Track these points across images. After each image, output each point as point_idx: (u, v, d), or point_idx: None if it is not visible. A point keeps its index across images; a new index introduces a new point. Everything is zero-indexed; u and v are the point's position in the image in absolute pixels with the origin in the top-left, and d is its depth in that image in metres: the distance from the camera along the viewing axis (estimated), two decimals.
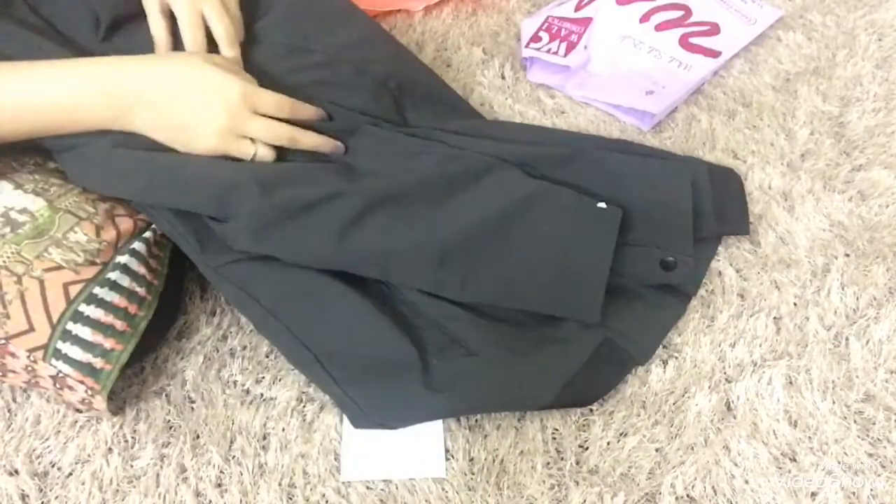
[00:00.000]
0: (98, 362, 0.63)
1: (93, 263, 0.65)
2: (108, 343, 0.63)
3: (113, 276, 0.65)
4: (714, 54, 0.96)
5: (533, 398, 0.67)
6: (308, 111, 0.72)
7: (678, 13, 0.99)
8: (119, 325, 0.64)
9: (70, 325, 0.62)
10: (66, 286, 0.63)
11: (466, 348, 0.68)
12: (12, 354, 0.63)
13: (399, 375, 0.67)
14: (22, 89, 0.63)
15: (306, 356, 0.67)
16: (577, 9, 1.02)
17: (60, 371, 0.62)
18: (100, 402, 0.65)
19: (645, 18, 0.98)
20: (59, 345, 0.62)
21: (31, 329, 0.62)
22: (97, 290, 0.64)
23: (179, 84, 0.66)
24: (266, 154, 0.69)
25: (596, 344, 0.70)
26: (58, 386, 0.64)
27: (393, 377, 0.67)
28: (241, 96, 0.67)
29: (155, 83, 0.65)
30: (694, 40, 0.96)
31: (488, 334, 0.69)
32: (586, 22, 0.99)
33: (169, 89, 0.66)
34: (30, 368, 0.63)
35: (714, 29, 0.98)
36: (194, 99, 0.66)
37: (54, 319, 0.62)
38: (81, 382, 0.63)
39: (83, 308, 0.63)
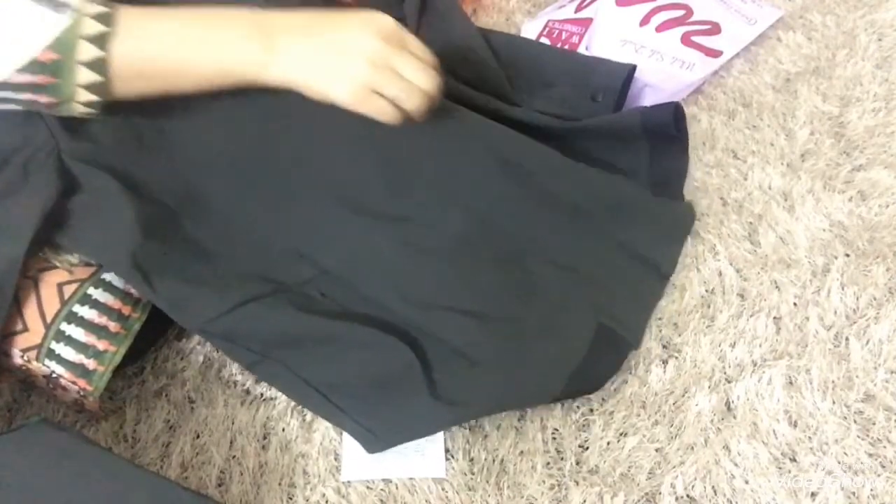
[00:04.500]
0: (91, 363, 0.63)
1: (88, 264, 0.65)
2: (102, 344, 0.63)
3: (108, 276, 0.65)
4: (715, 54, 0.95)
5: (541, 394, 0.67)
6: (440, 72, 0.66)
7: (679, 12, 0.99)
8: (112, 326, 0.64)
9: (64, 326, 0.62)
10: (60, 286, 0.63)
11: (469, 359, 0.67)
12: (6, 354, 0.63)
13: (403, 387, 0.65)
14: (183, 33, 0.58)
15: (308, 392, 0.66)
16: (578, 9, 1.02)
17: (54, 371, 0.62)
18: (92, 404, 0.65)
19: (645, 21, 0.98)
20: (53, 345, 0.62)
21: (26, 329, 0.62)
22: (91, 291, 0.64)
23: (332, 16, 0.61)
24: (410, 96, 0.61)
25: (592, 330, 0.69)
26: (51, 386, 0.64)
27: (398, 391, 0.66)
28: (393, 24, 0.61)
29: (308, 15, 0.61)
30: (695, 39, 0.96)
31: (487, 338, 0.67)
32: (587, 22, 0.99)
33: (322, 19, 0.61)
34: (24, 368, 0.63)
35: (715, 28, 0.98)
36: (343, 19, 0.60)
37: (48, 319, 0.62)
38: (74, 384, 0.63)
39: (77, 308, 0.63)
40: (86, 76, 0.54)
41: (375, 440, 0.65)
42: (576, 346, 0.69)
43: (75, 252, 0.66)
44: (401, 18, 0.89)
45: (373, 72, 0.59)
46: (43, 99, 0.54)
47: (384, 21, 0.61)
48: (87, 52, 0.53)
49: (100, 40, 0.54)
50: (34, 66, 0.52)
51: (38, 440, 0.54)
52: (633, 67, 0.87)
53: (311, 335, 0.66)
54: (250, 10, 0.60)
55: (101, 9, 0.54)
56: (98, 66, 0.54)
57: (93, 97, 0.55)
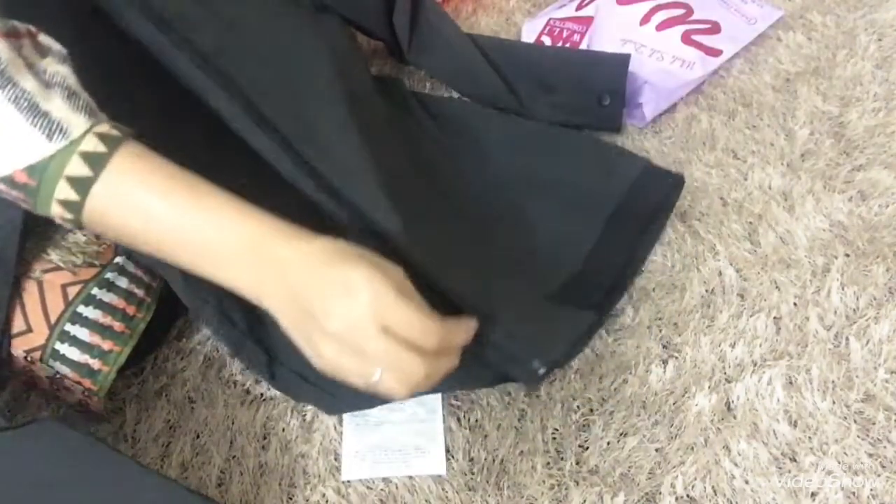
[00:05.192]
0: (95, 364, 0.63)
1: (91, 265, 0.65)
2: (106, 344, 0.63)
3: (111, 276, 0.65)
4: (715, 53, 0.96)
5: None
6: (462, 334, 0.56)
7: (679, 11, 0.99)
8: (117, 326, 0.64)
9: (68, 326, 0.62)
10: (64, 287, 0.63)
11: None
12: (10, 355, 0.63)
13: None
14: (170, 218, 0.51)
15: (290, 377, 0.67)
16: (579, 8, 1.02)
17: (58, 372, 0.62)
18: (97, 404, 0.65)
19: (646, 20, 0.98)
20: (58, 346, 0.62)
21: (30, 330, 0.62)
22: (95, 291, 0.64)
23: (319, 265, 0.52)
24: (390, 389, 0.52)
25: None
26: (55, 387, 0.64)
27: None
28: (368, 305, 0.51)
29: (299, 257, 0.53)
30: (695, 38, 0.96)
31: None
32: (588, 21, 0.99)
33: (308, 267, 0.53)
34: (28, 369, 0.63)
35: (715, 28, 0.98)
36: (326, 287, 0.52)
37: (52, 320, 0.62)
38: (78, 384, 0.63)
39: (82, 309, 0.63)
40: (58, 210, 0.49)
41: (336, 402, 0.67)
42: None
43: None
44: (392, 35, 0.89)
45: (339, 354, 0.52)
46: (23, 206, 0.51)
47: (360, 295, 0.51)
48: (63, 190, 0.48)
49: (78, 183, 0.48)
50: (8, 181, 0.48)
51: (46, 437, 0.54)
52: (628, 58, 0.87)
53: None
54: (254, 219, 0.52)
55: (97, 149, 0.48)
56: (71, 206, 0.49)
57: (68, 224, 0.51)
